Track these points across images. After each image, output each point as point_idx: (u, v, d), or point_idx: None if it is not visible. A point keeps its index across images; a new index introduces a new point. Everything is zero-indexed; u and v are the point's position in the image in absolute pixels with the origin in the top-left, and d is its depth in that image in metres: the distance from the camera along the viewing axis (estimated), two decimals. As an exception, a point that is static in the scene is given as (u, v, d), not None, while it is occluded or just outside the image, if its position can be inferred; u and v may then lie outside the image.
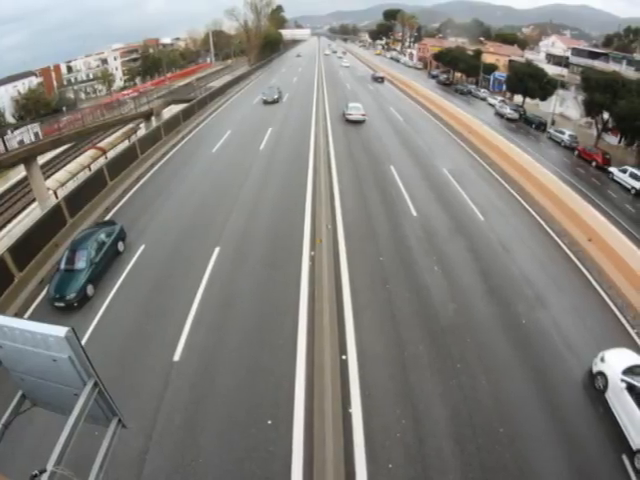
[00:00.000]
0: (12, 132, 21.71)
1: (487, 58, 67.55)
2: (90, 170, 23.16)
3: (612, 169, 31.57)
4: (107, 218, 15.17)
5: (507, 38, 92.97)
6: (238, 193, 17.28)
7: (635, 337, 10.87)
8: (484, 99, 56.04)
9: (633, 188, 29.02)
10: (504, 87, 58.33)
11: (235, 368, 9.03)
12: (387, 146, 25.13)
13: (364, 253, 13.40)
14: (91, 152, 27.44)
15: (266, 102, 33.99)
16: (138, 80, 77.35)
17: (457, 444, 7.50)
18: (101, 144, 30.16)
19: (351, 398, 8.22)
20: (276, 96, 34.55)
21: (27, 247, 11.94)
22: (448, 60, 69.49)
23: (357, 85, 50.96)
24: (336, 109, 32.78)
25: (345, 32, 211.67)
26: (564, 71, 52.53)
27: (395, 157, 23.03)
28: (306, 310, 10.61)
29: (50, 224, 13.19)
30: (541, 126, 43.54)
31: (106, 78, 71.75)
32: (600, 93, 34.55)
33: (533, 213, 17.73)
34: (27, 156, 20.04)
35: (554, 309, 11.40)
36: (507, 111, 46.10)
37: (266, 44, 75.83)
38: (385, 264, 12.89)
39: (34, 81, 61.62)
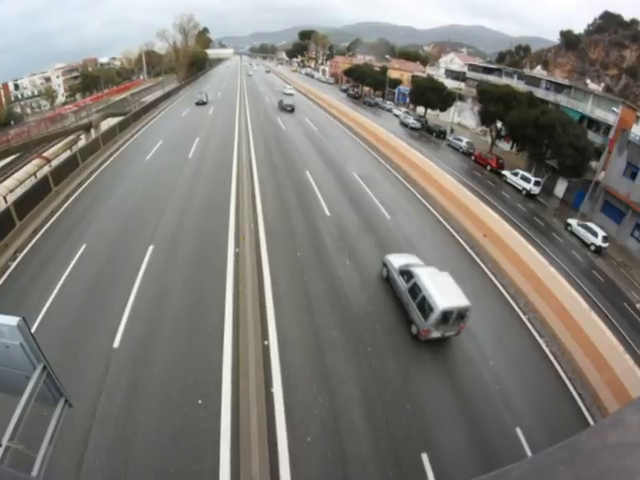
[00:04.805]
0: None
1: (392, 73, 72.51)
2: (36, 177, 24.72)
3: (505, 172, 33.98)
4: (53, 220, 15.89)
5: (410, 55, 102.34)
6: (170, 194, 18.33)
7: (527, 322, 12.36)
8: (390, 110, 59.43)
9: (524, 189, 31.57)
10: (408, 99, 61.90)
11: (169, 354, 9.43)
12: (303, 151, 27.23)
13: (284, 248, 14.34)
14: (36, 161, 28.52)
15: (198, 103, 43.75)
16: (78, 96, 79.44)
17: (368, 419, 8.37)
18: (45, 154, 31.11)
19: (273, 379, 8.83)
20: (205, 99, 44.81)
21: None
22: (357, 75, 73.95)
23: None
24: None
25: (264, 51, 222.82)
26: (462, 85, 55.90)
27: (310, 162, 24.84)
28: (232, 300, 11.13)
29: (0, 227, 13.68)
30: (441, 134, 46.64)
31: (49, 94, 74.02)
32: (494, 104, 37.38)
33: (434, 212, 19.22)
34: (-23, 166, 21.05)
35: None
36: (410, 121, 49.07)
37: (193, 62, 79.86)
38: (302, 258, 13.79)
39: (-16, 98, 63.83)
